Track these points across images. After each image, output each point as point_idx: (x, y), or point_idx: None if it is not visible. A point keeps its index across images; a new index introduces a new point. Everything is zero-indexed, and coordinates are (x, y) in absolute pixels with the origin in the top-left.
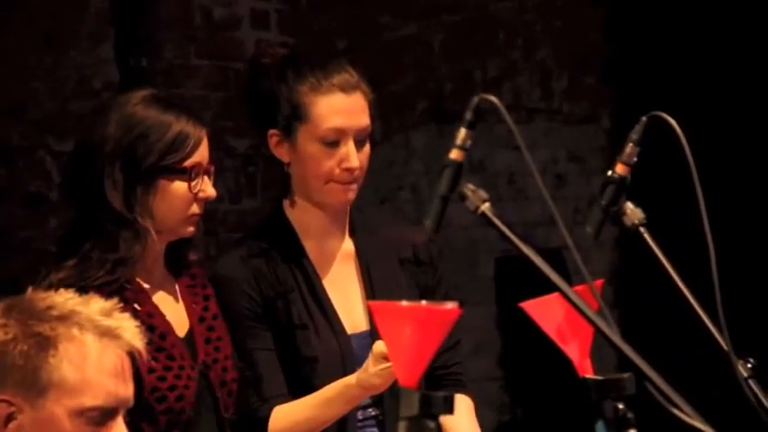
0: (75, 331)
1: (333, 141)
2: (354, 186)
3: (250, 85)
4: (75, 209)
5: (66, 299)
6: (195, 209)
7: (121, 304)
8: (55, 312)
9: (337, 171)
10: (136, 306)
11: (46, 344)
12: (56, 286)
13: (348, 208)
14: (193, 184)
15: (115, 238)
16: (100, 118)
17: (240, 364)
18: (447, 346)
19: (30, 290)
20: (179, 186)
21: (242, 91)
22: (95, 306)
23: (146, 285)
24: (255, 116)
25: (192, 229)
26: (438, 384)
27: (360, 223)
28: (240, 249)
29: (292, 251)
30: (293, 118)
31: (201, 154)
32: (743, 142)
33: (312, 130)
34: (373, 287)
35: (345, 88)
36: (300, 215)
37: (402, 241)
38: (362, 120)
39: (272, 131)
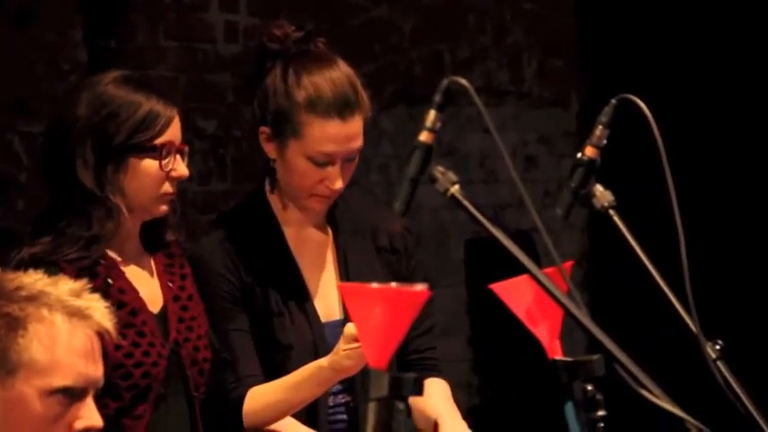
0: (44, 312)
1: (321, 162)
2: (332, 200)
3: (254, 66)
4: (49, 189)
5: (34, 279)
6: (167, 188)
7: (92, 282)
8: (24, 293)
9: (320, 187)
10: (108, 280)
11: (15, 324)
12: (27, 261)
13: None
14: (164, 162)
15: (88, 217)
16: (72, 98)
17: (217, 345)
18: (421, 331)
19: None
20: (149, 165)
21: (249, 62)
22: (64, 287)
23: (119, 260)
24: (251, 95)
25: (164, 207)
26: (411, 369)
27: (342, 209)
28: (219, 231)
29: (272, 237)
30: (286, 131)
31: (173, 133)
32: (712, 125)
33: (302, 148)
34: (349, 275)
35: (343, 112)
36: (281, 204)
37: (379, 229)
38: (355, 144)
39: (263, 128)
